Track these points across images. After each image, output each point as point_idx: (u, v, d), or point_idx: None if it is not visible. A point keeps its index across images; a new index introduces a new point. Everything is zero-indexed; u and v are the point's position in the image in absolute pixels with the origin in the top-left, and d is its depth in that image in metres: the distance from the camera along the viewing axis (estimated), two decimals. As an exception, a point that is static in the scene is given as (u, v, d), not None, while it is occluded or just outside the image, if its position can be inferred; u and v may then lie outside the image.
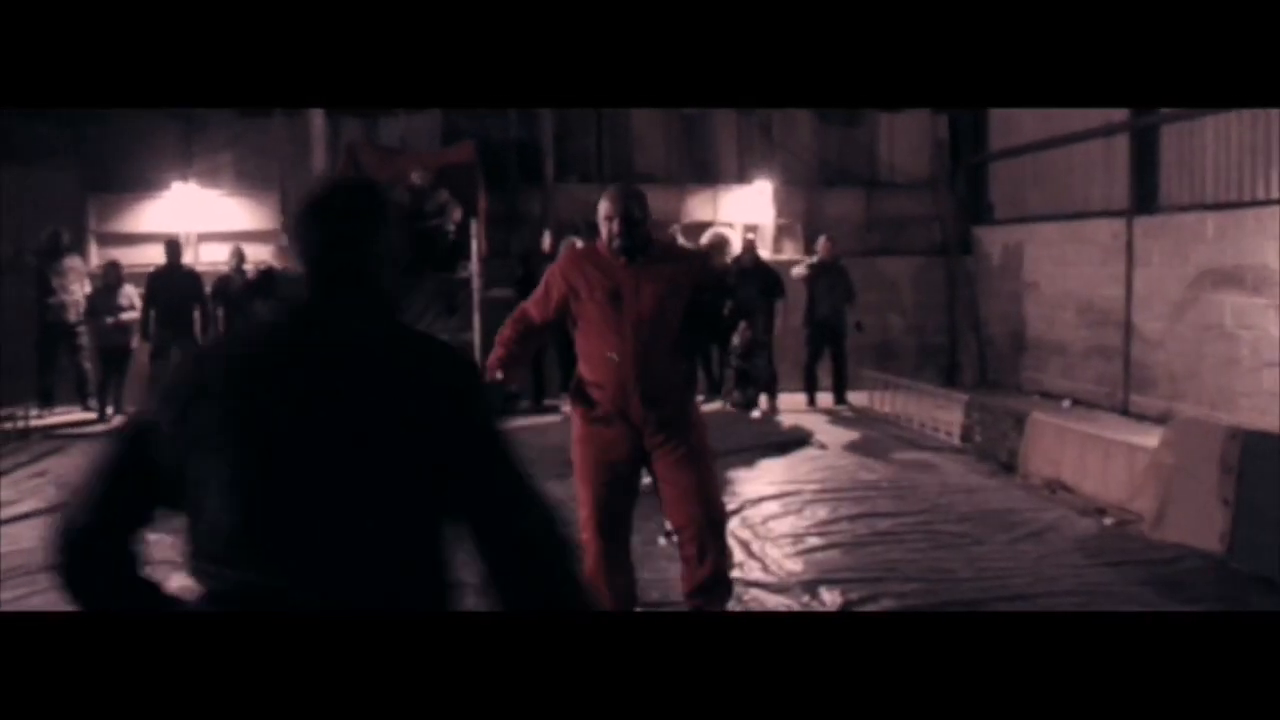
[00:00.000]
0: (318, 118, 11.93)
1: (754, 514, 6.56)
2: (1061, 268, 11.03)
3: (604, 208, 4.01)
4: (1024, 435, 7.73)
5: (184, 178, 11.88)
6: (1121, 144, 10.14)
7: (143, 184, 11.92)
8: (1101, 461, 6.93)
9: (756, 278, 10.22)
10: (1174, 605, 4.92)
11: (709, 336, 6.59)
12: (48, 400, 10.83)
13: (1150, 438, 7.13)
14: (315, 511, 1.60)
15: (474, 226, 10.83)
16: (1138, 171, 9.86)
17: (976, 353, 12.47)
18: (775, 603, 5.00)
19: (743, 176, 12.53)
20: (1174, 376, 9.34)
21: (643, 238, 4.02)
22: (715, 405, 9.79)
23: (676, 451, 4.07)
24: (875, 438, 9.24)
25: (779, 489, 7.21)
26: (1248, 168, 8.64)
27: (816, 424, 9.76)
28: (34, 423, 10.10)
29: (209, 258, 11.81)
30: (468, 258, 10.99)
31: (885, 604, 4.92)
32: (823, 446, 8.75)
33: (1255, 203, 8.48)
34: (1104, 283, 10.27)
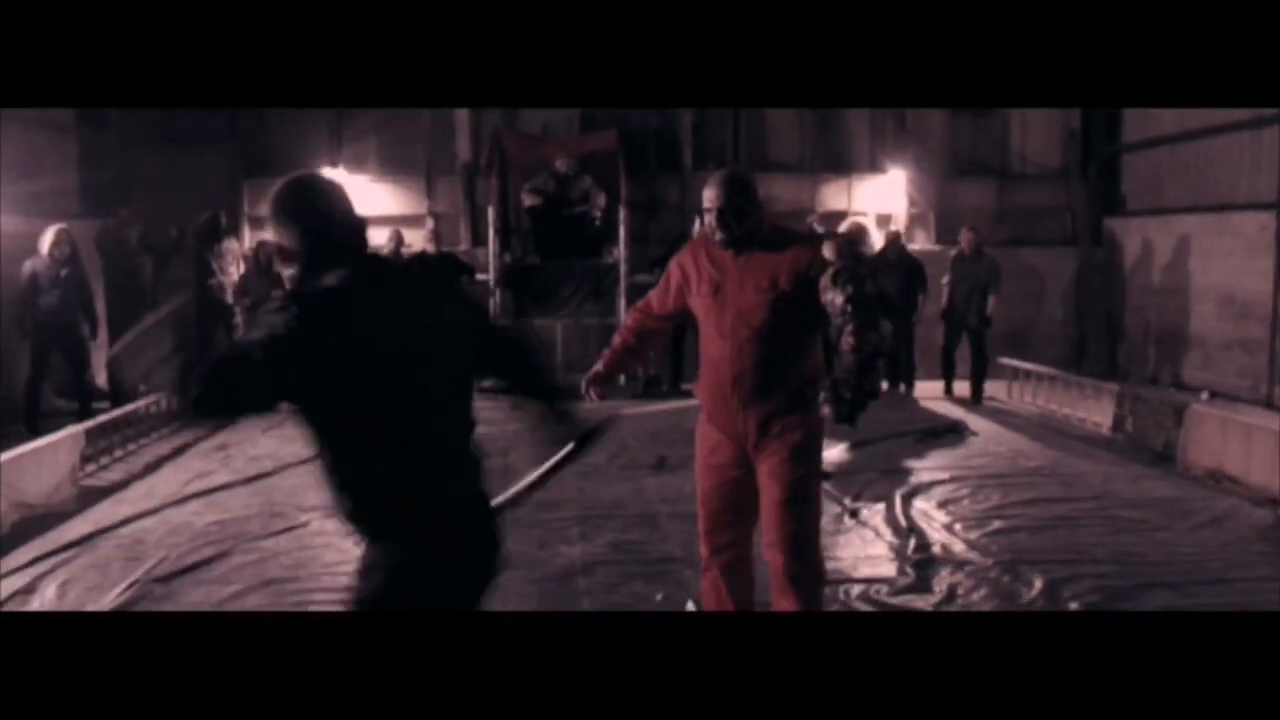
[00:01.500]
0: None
1: (933, 496, 6.80)
2: (1201, 260, 11.04)
3: (706, 196, 3.70)
4: (1183, 426, 7.85)
5: (333, 163, 12.36)
6: (1271, 136, 10.11)
7: (294, 169, 12.22)
8: (1271, 453, 7.03)
9: (900, 271, 10.42)
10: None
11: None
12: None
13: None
14: (428, 387, 2.46)
15: (621, 213, 11.14)
16: (1289, 164, 9.84)
17: (1106, 344, 12.51)
18: (979, 582, 5.23)
19: (875, 166, 12.70)
20: (1324, 371, 9.36)
21: (748, 227, 3.68)
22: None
23: (771, 460, 3.71)
24: (1021, 425, 9.40)
25: (945, 473, 7.44)
26: None
27: (958, 412, 9.96)
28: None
29: (361, 240, 12.26)
30: (613, 243, 11.32)
31: (1085, 584, 5.12)
32: (973, 433, 8.94)
33: None
34: (1249, 276, 10.28)
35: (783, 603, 3.70)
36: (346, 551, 5.67)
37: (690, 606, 4.74)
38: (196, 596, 4.98)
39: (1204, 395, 10.67)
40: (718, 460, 3.82)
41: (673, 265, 3.92)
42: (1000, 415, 9.92)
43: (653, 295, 3.98)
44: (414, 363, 2.43)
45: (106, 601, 4.90)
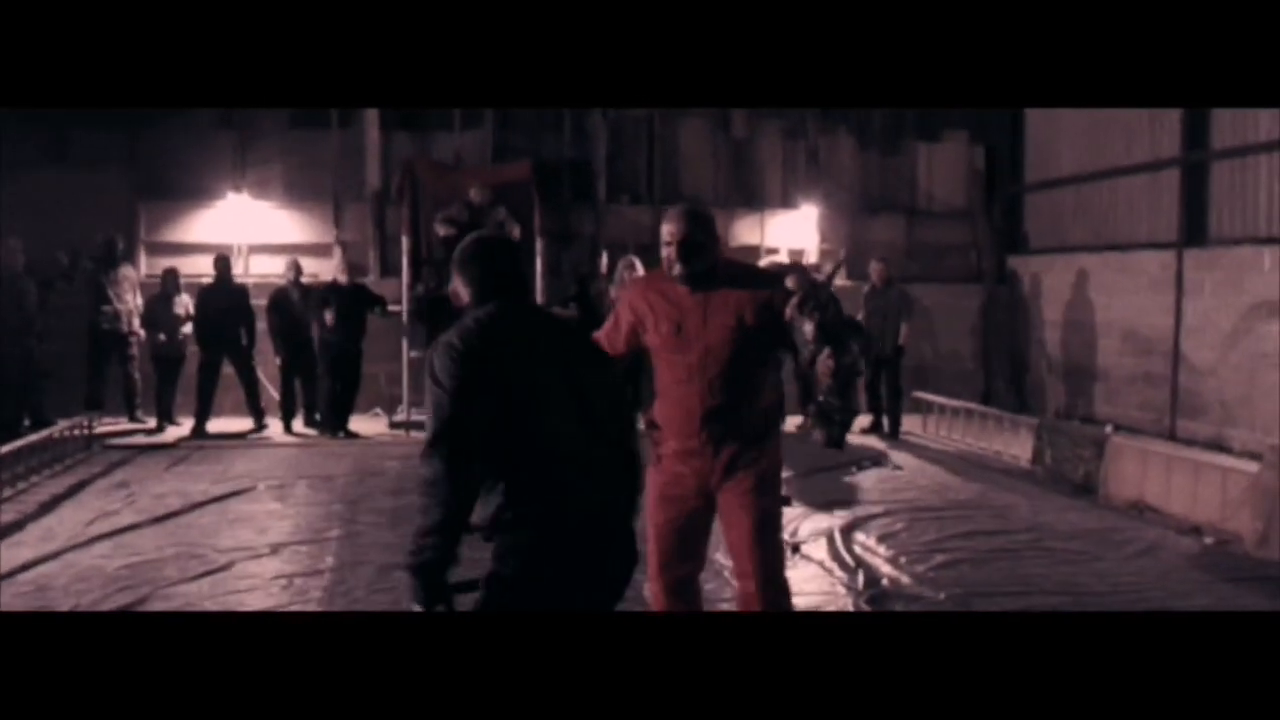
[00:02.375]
0: (372, 130, 12.05)
1: (871, 529, 6.76)
2: (1105, 297, 11.36)
3: (665, 230, 3.65)
4: (1104, 458, 7.99)
5: (236, 188, 11.92)
6: (1169, 178, 10.50)
7: (194, 193, 11.94)
8: (1190, 482, 7.19)
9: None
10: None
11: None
12: (97, 408, 10.80)
13: (1232, 460, 7.44)
14: (573, 416, 2.78)
15: (537, 245, 10.96)
16: (1188, 205, 10.21)
17: (1012, 379, 12.78)
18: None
19: (788, 201, 12.79)
20: (1225, 404, 9.67)
21: (707, 263, 3.63)
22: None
23: (738, 490, 3.68)
24: (941, 459, 9.49)
25: (878, 507, 7.42)
26: (1303, 204, 9.01)
27: (879, 445, 10.00)
28: (96, 430, 10.08)
29: (260, 269, 11.84)
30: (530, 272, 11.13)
31: (1040, 616, 5.12)
32: (898, 467, 8.97)
33: (1315, 239, 8.84)
34: (1151, 312, 10.60)
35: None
36: (274, 595, 5.35)
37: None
38: (117, 646, 4.60)
39: (1107, 429, 10.93)
40: (678, 492, 3.74)
41: (622, 305, 3.87)
42: (919, 449, 10.00)
43: (601, 338, 3.82)
44: (556, 385, 2.78)
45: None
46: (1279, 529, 6.27)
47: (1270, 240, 9.29)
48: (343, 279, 10.55)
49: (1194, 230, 10.22)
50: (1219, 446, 9.26)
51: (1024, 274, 12.85)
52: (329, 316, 10.19)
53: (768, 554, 3.73)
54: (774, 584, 3.74)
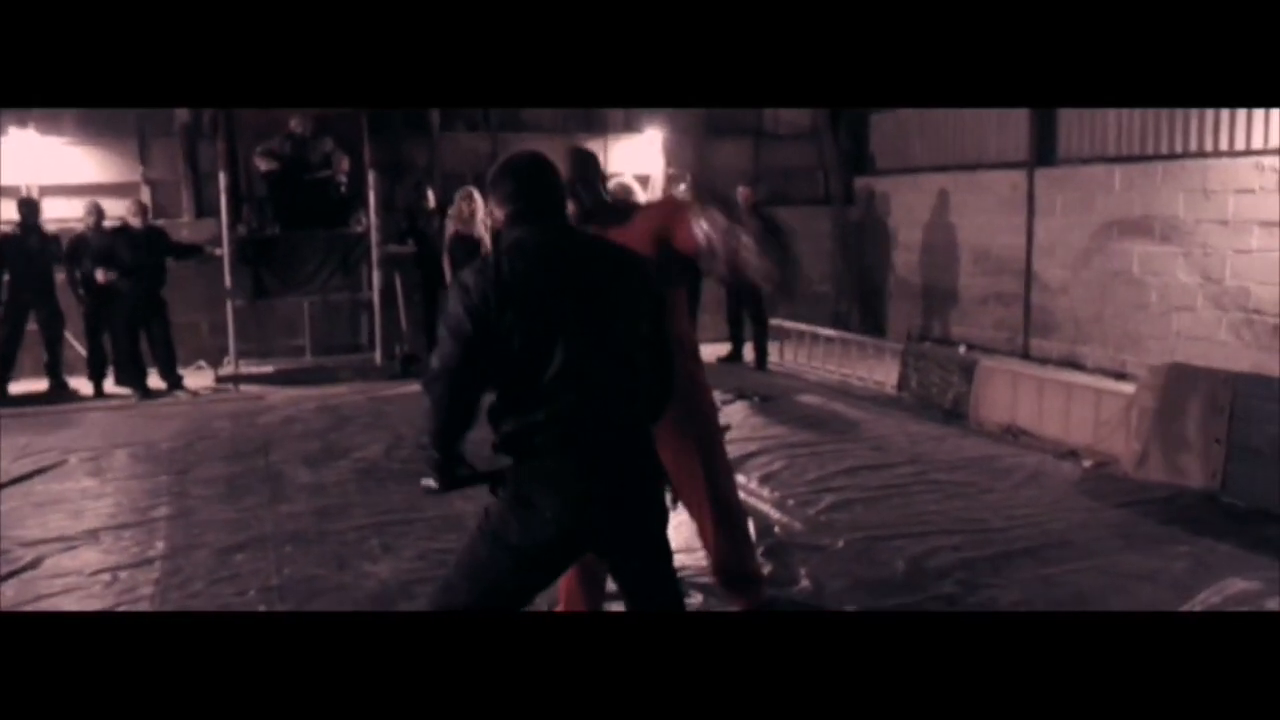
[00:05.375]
0: (176, 58, 10.87)
1: (750, 470, 6.42)
2: (954, 217, 11.31)
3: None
4: (973, 382, 7.87)
5: (20, 122, 10.58)
6: (1017, 96, 10.42)
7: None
8: (1062, 405, 7.12)
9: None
10: (1195, 540, 5.07)
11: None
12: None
13: (1106, 381, 7.42)
14: (598, 347, 2.66)
15: (369, 177, 10.12)
16: (1037, 124, 10.16)
17: (864, 302, 12.69)
18: (840, 566, 4.85)
19: (631, 126, 12.24)
20: (1078, 321, 9.75)
21: (595, 201, 3.68)
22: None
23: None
24: (802, 388, 9.25)
25: (752, 444, 7.09)
26: (1151, 122, 9.02)
27: (738, 375, 9.70)
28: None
29: (56, 214, 10.59)
30: (361, 211, 10.30)
31: (946, 559, 4.87)
32: (762, 398, 8.68)
33: (1163, 156, 8.87)
34: (1002, 232, 10.59)
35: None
36: (98, 597, 4.62)
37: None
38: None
39: (961, 349, 10.95)
40: None
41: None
42: (782, 378, 9.75)
43: None
44: (587, 309, 2.67)
45: None
46: (1157, 449, 6.22)
47: (1120, 159, 9.31)
48: (135, 222, 9.48)
49: (1044, 150, 10.19)
50: (1072, 364, 9.34)
51: (873, 195, 12.71)
52: (100, 273, 9.16)
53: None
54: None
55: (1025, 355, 10.18)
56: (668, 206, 3.88)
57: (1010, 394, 7.57)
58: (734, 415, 8.08)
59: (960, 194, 11.21)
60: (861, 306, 12.78)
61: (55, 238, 9.62)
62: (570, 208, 3.51)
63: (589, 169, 3.67)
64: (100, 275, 9.18)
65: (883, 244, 12.54)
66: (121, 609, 4.48)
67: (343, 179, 10.29)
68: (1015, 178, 10.35)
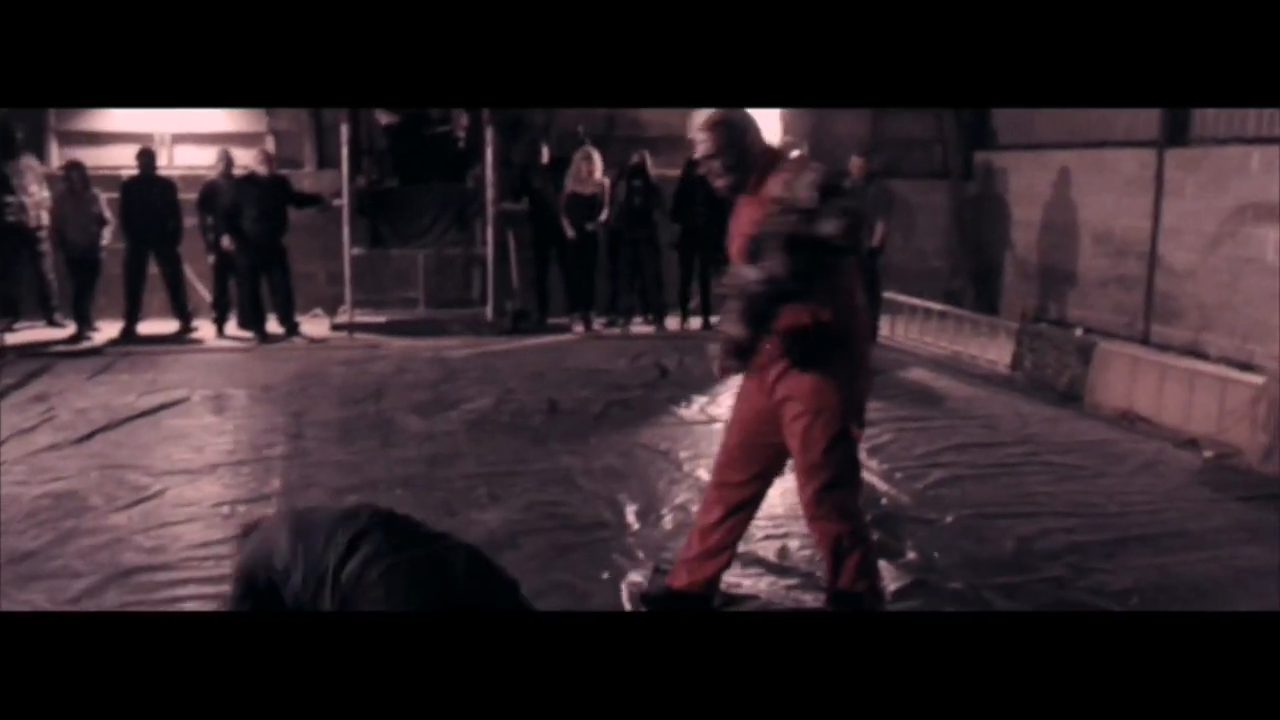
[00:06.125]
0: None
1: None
2: (1077, 196, 10.96)
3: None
4: (1091, 365, 7.65)
5: (156, 72, 10.92)
6: (1152, 72, 10.02)
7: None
8: (1184, 393, 6.88)
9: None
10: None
11: None
12: (11, 312, 10.00)
13: (1231, 371, 7.14)
14: None
15: (486, 133, 10.21)
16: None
17: (980, 279, 12.41)
18: (947, 543, 4.78)
19: (749, 93, 12.12)
20: (1204, 308, 9.39)
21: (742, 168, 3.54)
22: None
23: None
24: (912, 363, 9.11)
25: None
26: (1296, 101, 8.59)
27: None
28: (7, 339, 9.30)
29: (186, 160, 10.96)
30: (478, 166, 10.41)
31: (1057, 541, 4.76)
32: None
33: (1308, 137, 8.47)
34: (1127, 213, 10.23)
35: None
36: (217, 527, 4.79)
37: (635, 578, 4.19)
38: (35, 595, 3.99)
39: (1077, 331, 10.65)
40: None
41: None
42: (892, 353, 9.61)
43: None
44: None
45: (-82, 602, 3.89)
46: (1286, 442, 5.98)
47: (1259, 140, 8.90)
48: (261, 171, 9.73)
49: (1176, 129, 9.79)
50: (1194, 352, 9.00)
51: (994, 171, 12.39)
52: (226, 240, 9.57)
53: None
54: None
55: (1145, 341, 9.84)
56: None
57: (1129, 379, 7.34)
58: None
59: (1084, 172, 10.86)
60: (976, 284, 12.49)
61: (173, 184, 9.95)
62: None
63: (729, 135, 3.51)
64: (226, 242, 9.54)
65: (1001, 221, 12.22)
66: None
67: (461, 134, 10.41)
68: (1144, 157, 9.98)
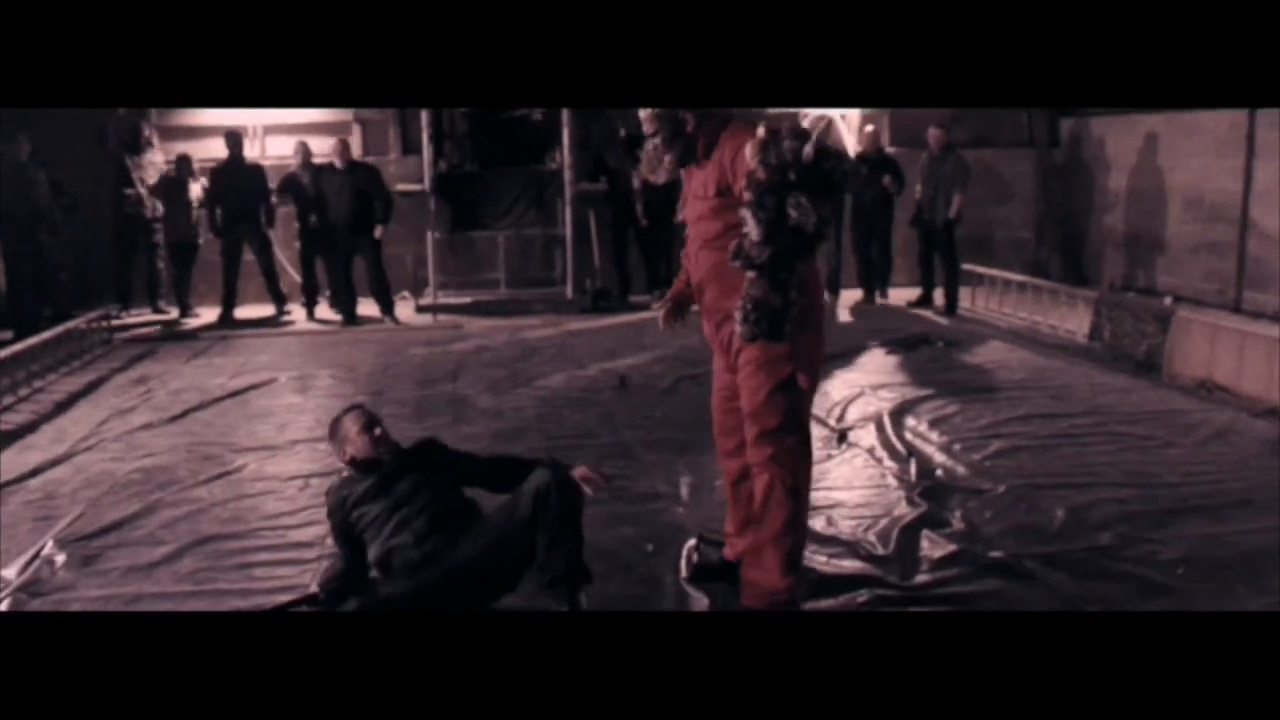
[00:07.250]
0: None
1: (921, 414, 6.36)
2: (1167, 160, 10.67)
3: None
4: (1169, 334, 7.50)
5: (247, 66, 11.34)
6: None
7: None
8: (1266, 361, 6.70)
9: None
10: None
11: None
12: (125, 299, 10.55)
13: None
14: None
15: (564, 116, 10.38)
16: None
17: (1067, 248, 12.18)
18: (996, 512, 4.79)
19: (827, 65, 12.06)
20: (1297, 273, 9.10)
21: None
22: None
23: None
24: (993, 334, 9.02)
25: (928, 388, 7.01)
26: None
27: (925, 320, 9.55)
28: (118, 323, 9.83)
29: (277, 151, 11.37)
30: (556, 149, 10.59)
31: (1109, 510, 4.72)
32: (947, 343, 8.52)
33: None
34: (1217, 176, 9.94)
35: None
36: (290, 500, 5.06)
37: (690, 544, 4.31)
38: (120, 560, 4.30)
39: (1167, 300, 10.39)
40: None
41: None
42: (970, 324, 9.53)
43: None
44: None
45: (13, 569, 4.22)
46: (1366, 410, 5.81)
47: (1354, 95, 8.56)
48: (337, 162, 10.01)
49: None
50: (1287, 318, 8.74)
51: (1080, 137, 12.12)
52: (313, 218, 9.95)
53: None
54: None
55: (1237, 309, 9.58)
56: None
57: (1208, 348, 7.17)
58: (917, 360, 7.99)
59: (1172, 136, 10.56)
60: (1063, 254, 12.26)
61: (261, 169, 10.35)
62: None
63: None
64: (313, 220, 9.92)
65: (1087, 189, 11.96)
66: (307, 513, 4.85)
67: (539, 117, 10.59)
68: (1235, 118, 9.67)
